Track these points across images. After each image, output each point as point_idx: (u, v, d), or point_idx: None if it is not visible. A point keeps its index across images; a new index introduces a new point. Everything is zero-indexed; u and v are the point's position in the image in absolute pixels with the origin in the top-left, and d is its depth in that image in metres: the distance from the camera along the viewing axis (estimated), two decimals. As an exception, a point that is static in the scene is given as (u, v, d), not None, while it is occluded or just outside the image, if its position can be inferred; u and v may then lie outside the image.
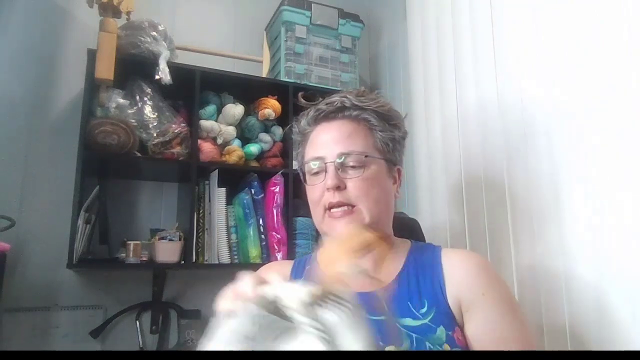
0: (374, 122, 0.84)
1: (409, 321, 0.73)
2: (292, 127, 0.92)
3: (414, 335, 0.71)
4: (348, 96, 0.84)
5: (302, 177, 0.89)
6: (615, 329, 0.88)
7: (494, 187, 1.22)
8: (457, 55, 1.39)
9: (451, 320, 0.73)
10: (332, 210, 0.80)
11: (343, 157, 0.80)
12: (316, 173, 0.83)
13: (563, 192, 1.01)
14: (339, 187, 0.79)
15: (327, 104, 0.85)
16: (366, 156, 0.81)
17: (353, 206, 0.79)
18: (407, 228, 1.05)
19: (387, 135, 0.85)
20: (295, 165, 1.62)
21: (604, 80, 0.93)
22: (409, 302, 0.75)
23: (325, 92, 0.91)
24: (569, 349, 0.95)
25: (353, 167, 0.80)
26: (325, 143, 0.83)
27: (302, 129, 0.89)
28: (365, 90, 0.89)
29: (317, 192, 0.82)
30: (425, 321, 0.72)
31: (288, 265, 0.91)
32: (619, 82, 0.90)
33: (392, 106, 0.88)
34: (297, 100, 0.91)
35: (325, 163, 0.81)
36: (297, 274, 0.88)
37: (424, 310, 0.74)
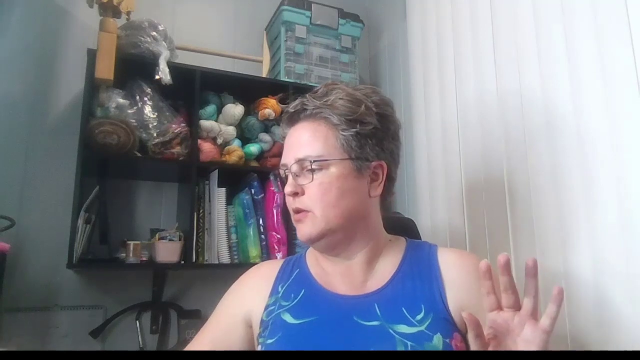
0: (334, 120, 0.78)
1: (403, 328, 0.71)
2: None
3: (409, 342, 0.69)
4: (308, 96, 0.81)
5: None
6: (615, 329, 0.88)
7: (493, 186, 1.21)
8: (457, 55, 1.39)
9: (449, 327, 0.72)
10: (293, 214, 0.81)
11: (299, 163, 0.79)
12: (286, 179, 0.82)
13: (563, 191, 1.01)
14: (297, 194, 0.79)
15: (292, 107, 0.83)
16: (314, 161, 0.77)
17: (307, 211, 0.78)
18: (402, 228, 1.05)
19: (349, 133, 0.78)
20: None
21: (604, 78, 0.93)
22: (403, 308, 0.74)
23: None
24: (569, 348, 0.95)
25: (310, 171, 0.78)
26: (288, 149, 0.82)
27: (281, 134, 0.88)
28: (333, 83, 0.84)
29: (287, 198, 0.82)
30: (422, 328, 0.71)
31: (277, 265, 0.89)
32: (619, 79, 0.90)
33: (357, 98, 0.80)
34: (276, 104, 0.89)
35: (285, 170, 0.81)
36: (284, 276, 0.86)
37: (420, 316, 0.72)
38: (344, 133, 0.78)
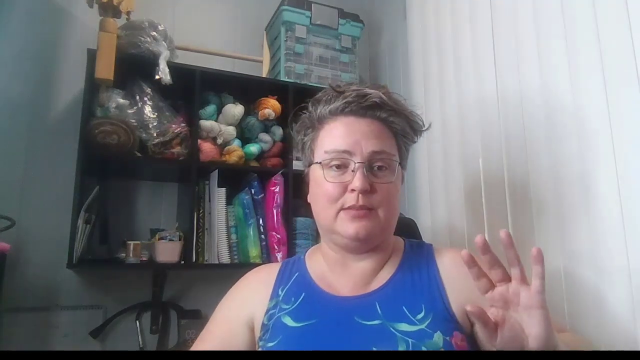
0: (400, 126, 0.80)
1: (404, 326, 0.72)
2: (304, 112, 0.84)
3: (409, 340, 0.70)
4: (382, 96, 0.78)
5: (308, 168, 0.82)
6: (615, 329, 0.88)
7: (493, 186, 1.21)
8: (457, 55, 1.39)
9: (450, 325, 0.72)
10: (349, 209, 0.75)
11: (374, 157, 0.76)
12: (338, 167, 0.76)
13: (563, 190, 1.01)
14: (367, 191, 0.74)
15: (357, 97, 0.77)
16: (399, 163, 0.79)
17: (372, 209, 0.75)
18: (404, 228, 1.05)
19: (409, 143, 0.82)
20: (295, 165, 1.65)
21: (604, 77, 0.93)
22: (403, 306, 0.74)
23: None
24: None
25: (381, 168, 0.76)
26: (354, 138, 0.76)
27: (321, 116, 0.81)
28: (387, 89, 0.82)
29: (336, 190, 0.76)
30: (422, 327, 0.71)
31: (275, 269, 0.88)
32: (620, 78, 0.90)
33: (417, 114, 0.84)
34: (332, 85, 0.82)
35: (355, 162, 0.75)
36: (283, 279, 0.85)
37: (420, 315, 0.73)
38: (405, 140, 0.81)
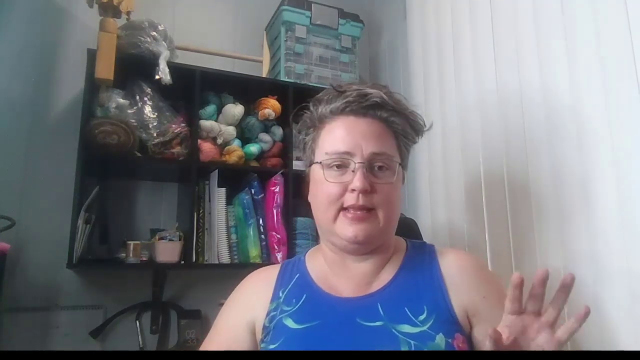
0: (401, 126, 0.79)
1: (406, 328, 0.71)
2: (305, 111, 0.83)
3: (412, 341, 0.70)
4: (383, 95, 0.77)
5: (309, 168, 0.82)
6: (615, 329, 0.88)
7: (493, 186, 1.22)
8: (457, 55, 1.39)
9: (452, 327, 0.72)
10: (349, 210, 0.75)
11: (374, 158, 0.75)
12: (338, 167, 0.76)
13: (563, 190, 1.01)
14: (367, 191, 0.74)
15: (358, 96, 0.77)
16: (400, 164, 0.78)
17: (372, 209, 0.75)
18: (404, 228, 1.04)
19: (409, 143, 0.82)
20: (295, 165, 1.65)
21: (604, 77, 0.93)
22: (406, 308, 0.74)
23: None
24: (569, 349, 0.95)
25: (381, 169, 0.76)
26: (354, 139, 0.76)
27: (322, 115, 0.80)
28: (388, 89, 0.82)
29: (336, 190, 0.75)
30: (424, 328, 0.71)
31: (275, 271, 0.87)
32: (619, 78, 0.90)
33: (418, 113, 0.84)
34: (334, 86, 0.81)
35: (356, 162, 0.75)
36: (283, 281, 0.84)
37: (422, 317, 0.72)
38: (405, 140, 0.81)
